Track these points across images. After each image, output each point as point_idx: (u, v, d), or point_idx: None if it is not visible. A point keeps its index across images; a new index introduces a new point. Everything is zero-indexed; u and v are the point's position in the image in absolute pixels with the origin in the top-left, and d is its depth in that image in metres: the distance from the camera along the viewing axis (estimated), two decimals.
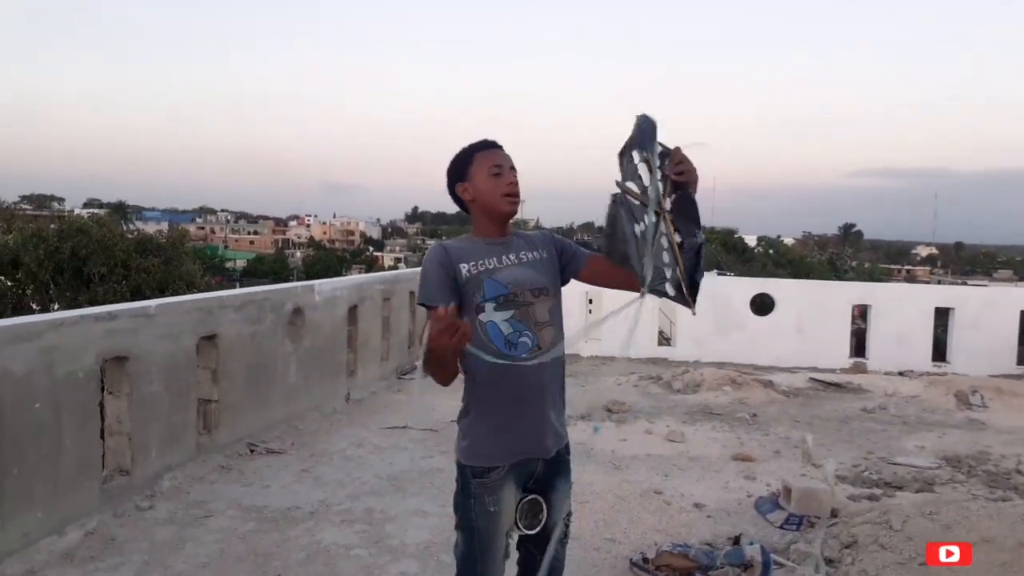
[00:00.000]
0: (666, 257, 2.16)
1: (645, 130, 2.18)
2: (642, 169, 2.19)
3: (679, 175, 2.14)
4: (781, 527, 4.32)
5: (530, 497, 2.29)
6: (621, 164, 2.20)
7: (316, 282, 6.79)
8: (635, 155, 2.18)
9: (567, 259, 2.41)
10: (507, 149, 2.39)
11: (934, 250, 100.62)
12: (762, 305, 10.46)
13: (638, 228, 2.15)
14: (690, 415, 7.25)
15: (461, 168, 2.34)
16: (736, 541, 3.90)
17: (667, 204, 2.17)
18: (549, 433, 2.30)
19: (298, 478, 5.02)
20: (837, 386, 8.58)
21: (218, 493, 4.66)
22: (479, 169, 2.30)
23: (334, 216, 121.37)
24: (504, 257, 2.29)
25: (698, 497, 4.85)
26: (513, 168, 2.34)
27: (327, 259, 66.63)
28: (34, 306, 15.84)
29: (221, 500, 4.55)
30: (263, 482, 4.91)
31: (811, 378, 8.85)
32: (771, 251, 50.57)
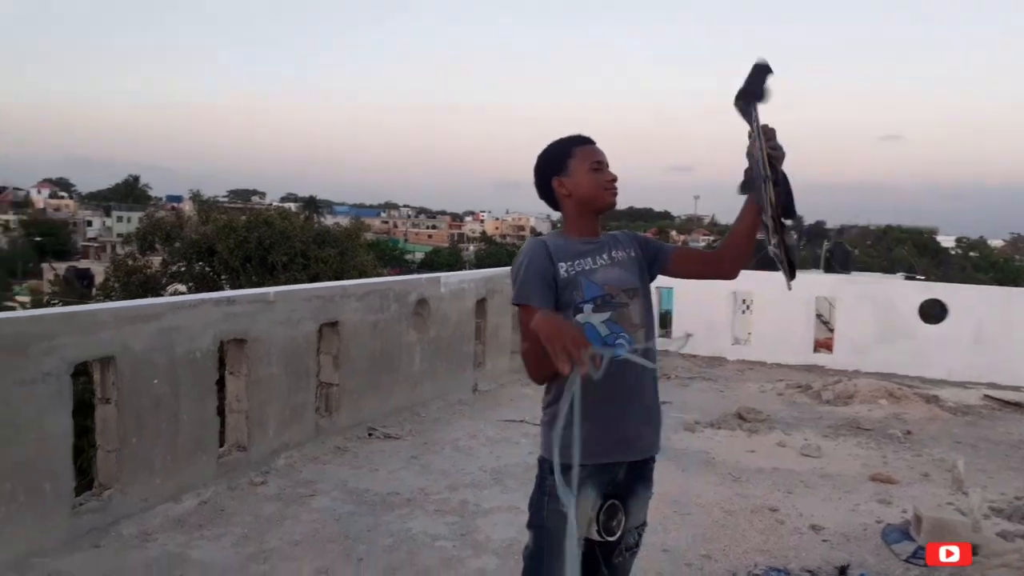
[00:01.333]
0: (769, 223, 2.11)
1: (756, 82, 2.10)
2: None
3: (774, 150, 2.06)
4: (907, 560, 3.85)
5: (610, 502, 2.21)
6: (747, 113, 2.13)
7: (442, 274, 6.92)
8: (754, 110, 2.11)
9: (651, 256, 2.34)
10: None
11: None
12: (933, 312, 9.47)
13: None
14: (834, 428, 6.68)
15: (559, 162, 2.28)
16: (843, 572, 3.52)
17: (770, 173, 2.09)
18: (642, 437, 2.24)
19: (406, 464, 5.11)
20: (1017, 405, 7.59)
21: (327, 474, 4.84)
22: (579, 164, 2.25)
23: (507, 212, 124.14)
24: (598, 257, 2.24)
25: (818, 518, 4.44)
26: (608, 165, 2.29)
27: (497, 253, 68.15)
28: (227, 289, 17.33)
29: (328, 481, 4.71)
30: (372, 466, 5.04)
31: (986, 395, 7.90)
32: (972, 253, 45.94)
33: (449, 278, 6.86)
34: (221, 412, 4.63)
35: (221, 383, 4.68)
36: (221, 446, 4.64)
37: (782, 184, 2.08)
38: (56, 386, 3.55)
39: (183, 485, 4.21)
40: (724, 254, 2.28)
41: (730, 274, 2.29)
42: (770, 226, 2.09)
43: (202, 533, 3.91)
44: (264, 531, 3.96)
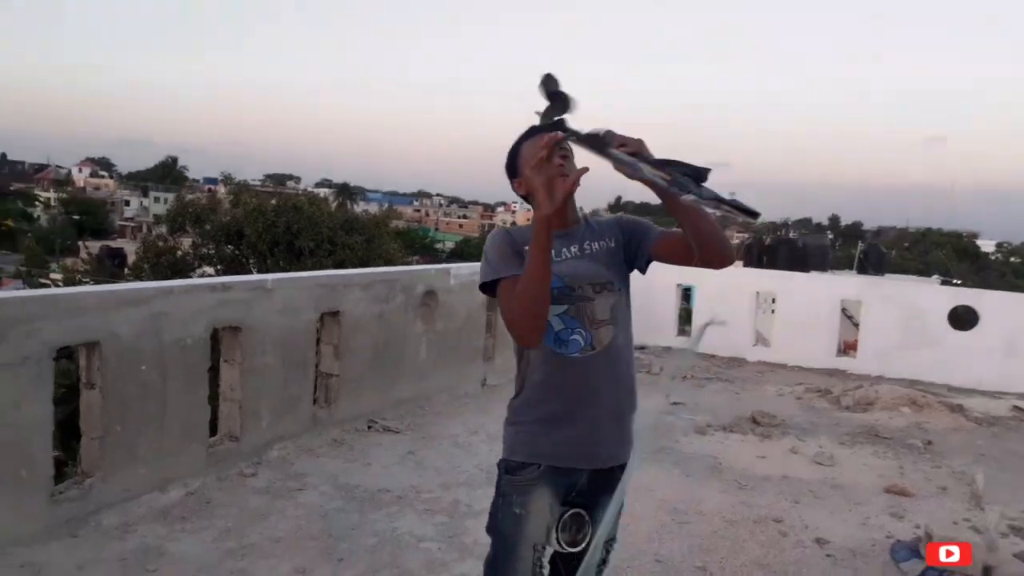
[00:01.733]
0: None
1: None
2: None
3: (633, 152, 1.85)
4: None
5: (573, 511, 2.09)
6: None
7: (453, 265, 6.79)
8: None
9: (636, 242, 2.17)
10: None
11: None
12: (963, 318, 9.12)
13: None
14: (851, 436, 6.44)
15: (512, 164, 2.16)
16: None
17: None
18: (603, 443, 2.08)
19: (401, 460, 5.00)
20: None
21: (320, 467, 4.75)
22: (527, 159, 2.09)
23: None
24: (565, 249, 2.11)
25: (824, 531, 4.25)
26: (564, 148, 2.09)
27: None
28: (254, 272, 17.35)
29: (320, 474, 4.62)
30: (366, 460, 4.94)
31: (1015, 406, 7.60)
32: (1012, 259, 44.72)
33: (460, 269, 6.72)
34: (214, 401, 4.55)
35: (216, 371, 4.60)
36: (213, 436, 4.56)
37: (665, 165, 1.81)
38: (36, 370, 3.48)
39: (170, 475, 4.13)
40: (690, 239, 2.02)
41: (704, 255, 1.99)
42: (692, 190, 1.79)
43: (184, 526, 3.83)
44: (247, 526, 3.87)
